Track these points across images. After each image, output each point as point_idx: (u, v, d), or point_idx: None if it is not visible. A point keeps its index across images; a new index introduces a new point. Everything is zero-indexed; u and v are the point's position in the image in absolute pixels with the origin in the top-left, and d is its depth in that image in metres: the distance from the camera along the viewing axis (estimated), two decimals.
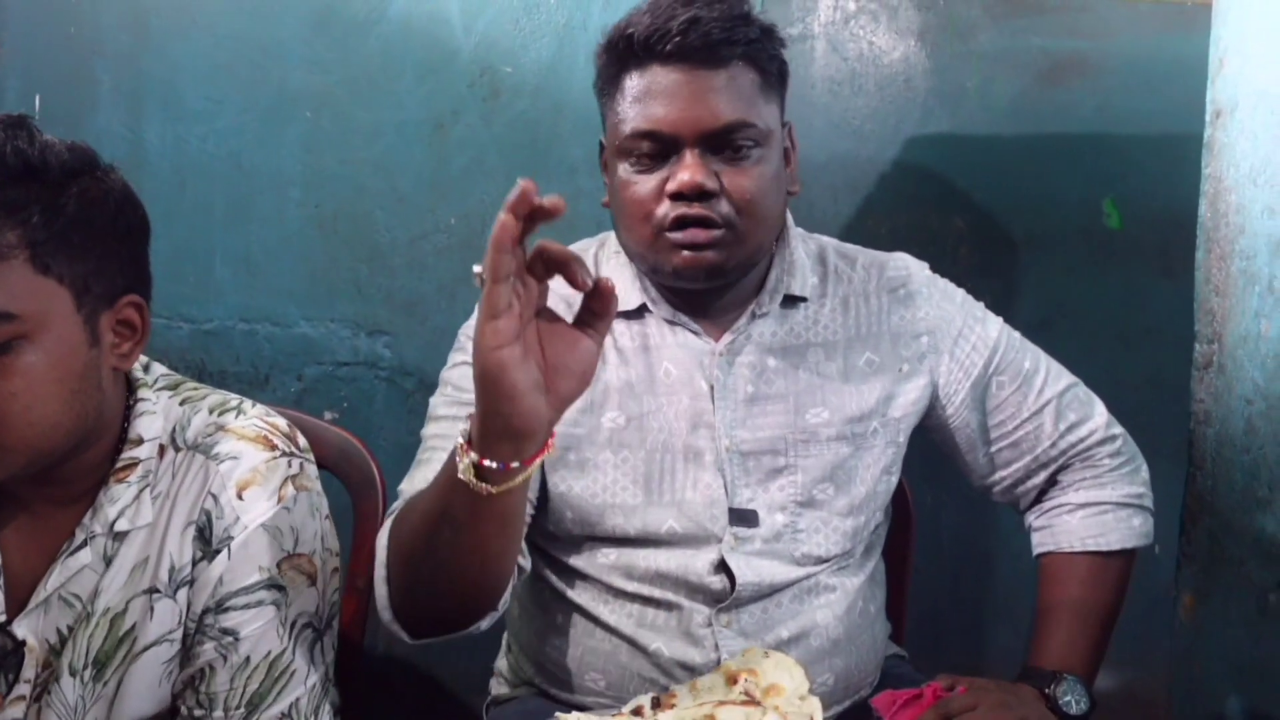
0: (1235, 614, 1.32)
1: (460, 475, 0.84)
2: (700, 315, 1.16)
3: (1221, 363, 1.35)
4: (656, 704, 0.89)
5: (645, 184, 1.09)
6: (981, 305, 1.25)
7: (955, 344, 1.20)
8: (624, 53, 1.09)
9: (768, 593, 1.13)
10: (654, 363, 1.16)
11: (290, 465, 1.03)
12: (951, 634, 1.64)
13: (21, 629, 0.98)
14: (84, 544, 0.98)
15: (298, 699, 1.03)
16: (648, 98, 1.07)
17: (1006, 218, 1.65)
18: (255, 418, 1.06)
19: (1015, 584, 1.66)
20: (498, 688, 1.27)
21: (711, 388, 1.14)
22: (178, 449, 1.02)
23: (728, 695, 0.88)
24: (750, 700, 0.87)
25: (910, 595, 1.44)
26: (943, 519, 1.64)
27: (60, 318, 0.91)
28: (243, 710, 1.01)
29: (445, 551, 0.92)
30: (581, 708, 1.13)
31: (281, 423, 1.08)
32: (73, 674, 0.99)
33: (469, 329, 1.20)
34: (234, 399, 1.08)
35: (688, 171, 1.06)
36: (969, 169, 1.65)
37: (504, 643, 1.31)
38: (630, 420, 1.14)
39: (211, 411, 1.05)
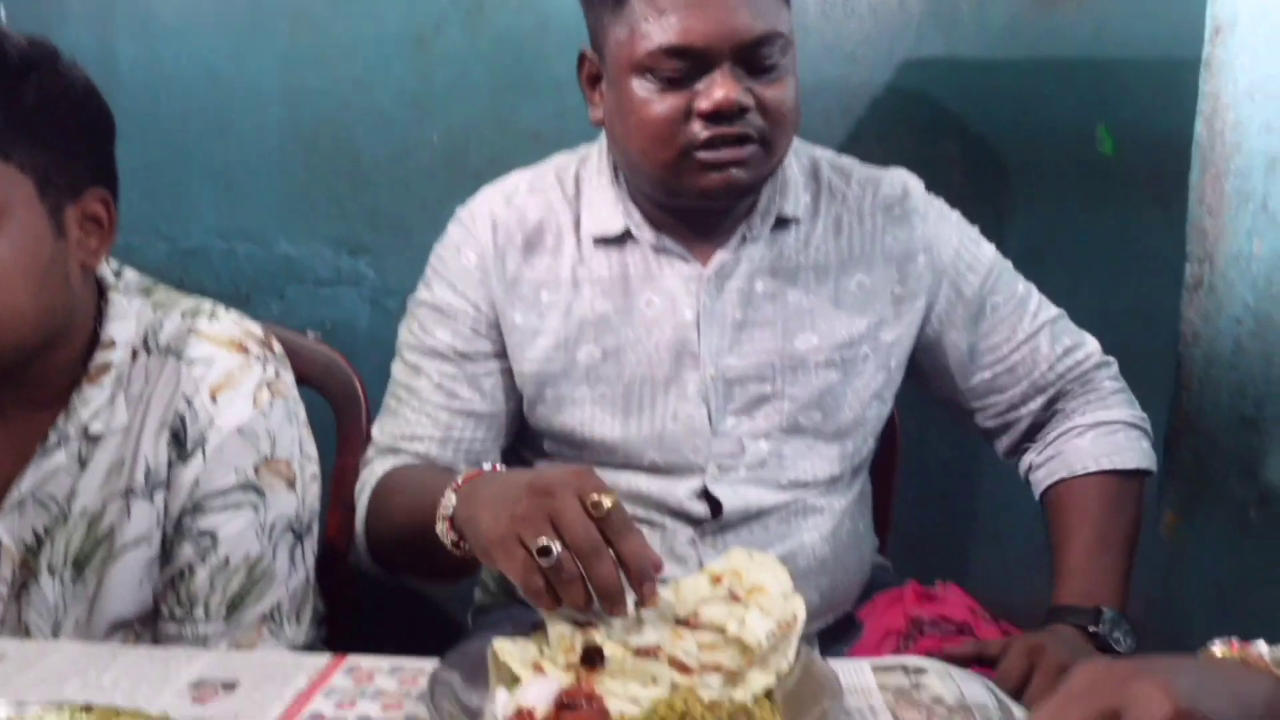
0: (1216, 531, 1.33)
1: (439, 534, 0.89)
2: (688, 239, 1.12)
3: (1212, 283, 1.34)
4: (639, 605, 0.88)
5: (669, 103, 1.02)
6: (977, 229, 1.23)
7: (951, 263, 1.18)
8: None
9: (755, 516, 1.12)
10: (634, 292, 1.12)
11: (265, 370, 1.03)
12: (934, 551, 1.65)
13: None
14: (58, 446, 0.98)
15: (279, 602, 1.03)
16: (674, 10, 1.00)
17: (999, 143, 1.63)
18: (229, 322, 1.05)
19: (999, 509, 1.67)
20: (482, 596, 1.27)
21: (697, 315, 1.11)
22: (150, 352, 1.01)
23: (711, 595, 0.87)
24: (734, 599, 0.86)
25: (895, 514, 1.44)
26: (928, 444, 1.64)
27: (23, 206, 0.90)
28: (223, 611, 1.01)
29: (423, 556, 0.95)
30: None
31: (255, 328, 1.07)
32: (51, 574, 1.00)
33: (443, 251, 1.16)
34: (207, 303, 1.07)
35: (723, 90, 1.00)
36: (962, 94, 1.62)
37: None
38: (606, 354, 1.12)
39: (184, 315, 1.04)
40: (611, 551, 0.77)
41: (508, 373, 1.15)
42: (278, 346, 1.08)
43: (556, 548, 0.75)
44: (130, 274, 1.07)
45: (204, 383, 0.99)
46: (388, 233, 1.59)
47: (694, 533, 1.11)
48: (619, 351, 1.12)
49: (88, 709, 0.75)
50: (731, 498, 1.11)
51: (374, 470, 1.13)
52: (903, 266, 1.16)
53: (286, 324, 1.54)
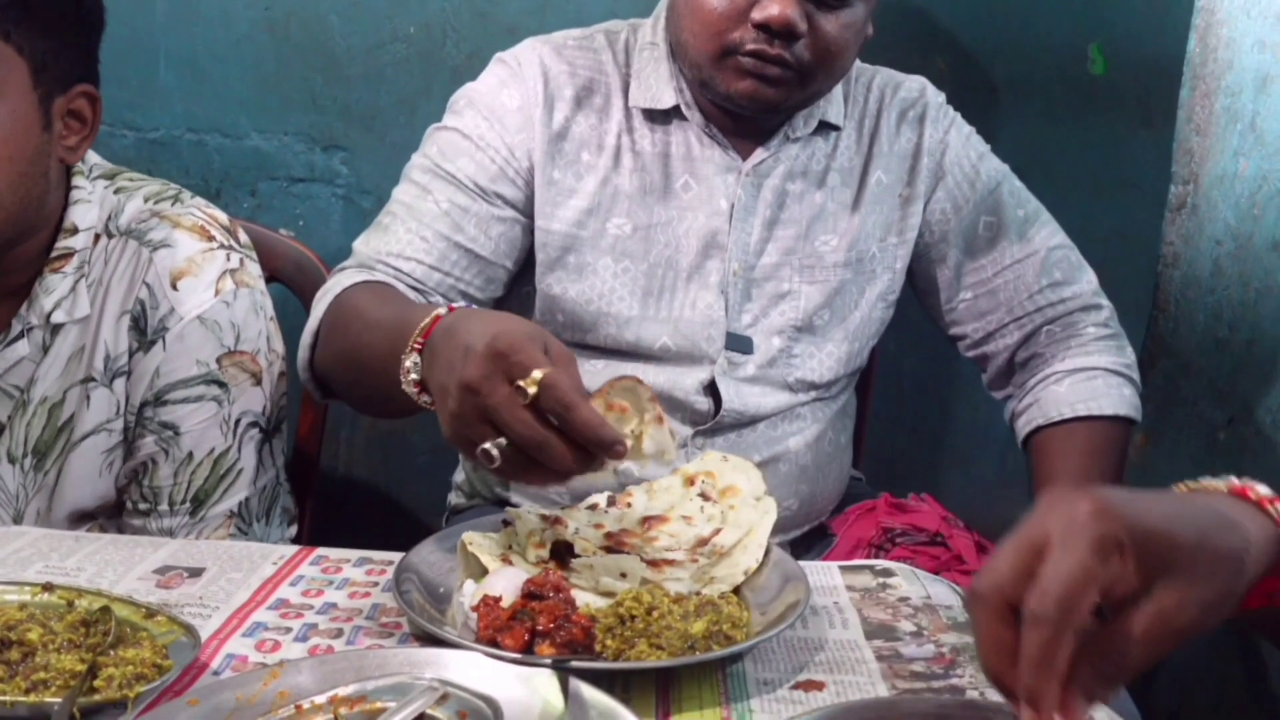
0: (1184, 452, 1.35)
1: (403, 385, 0.79)
2: (730, 129, 1.10)
3: (1195, 203, 1.34)
4: (612, 503, 0.88)
5: (726, 1, 1.00)
6: (988, 148, 1.21)
7: (950, 173, 1.17)
8: None
9: (748, 421, 1.12)
10: (673, 172, 1.11)
11: (229, 259, 1.00)
12: (907, 469, 1.66)
13: None
14: (20, 335, 0.96)
15: (247, 498, 1.03)
16: None
17: (989, 60, 1.60)
18: (193, 207, 1.02)
19: (973, 429, 1.68)
20: (455, 499, 1.27)
21: (732, 207, 1.10)
22: (111, 236, 0.99)
23: (685, 495, 0.88)
24: (706, 499, 0.86)
25: (869, 430, 1.45)
26: (904, 366, 1.64)
27: (16, 91, 0.88)
28: (188, 505, 1.00)
29: (378, 391, 0.88)
30: None
31: (221, 215, 1.04)
32: (12, 462, 0.98)
33: (479, 86, 1.11)
34: (173, 188, 1.04)
35: (780, 6, 0.98)
36: (952, 9, 1.58)
37: (462, 457, 1.30)
38: (637, 229, 1.10)
39: (147, 199, 1.01)
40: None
41: (518, 228, 1.10)
42: (244, 236, 1.05)
43: (496, 452, 0.70)
44: (94, 157, 1.04)
45: (164, 268, 0.97)
46: (362, 128, 1.54)
47: (687, 434, 1.11)
48: (649, 230, 1.10)
49: (49, 587, 0.74)
50: (733, 397, 1.10)
51: (341, 280, 1.03)
52: (910, 168, 1.16)
53: (259, 220, 1.51)
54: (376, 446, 1.65)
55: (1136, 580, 0.51)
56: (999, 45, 1.59)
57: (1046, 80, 1.60)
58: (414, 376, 0.79)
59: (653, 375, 1.10)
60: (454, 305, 0.82)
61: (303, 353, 1.02)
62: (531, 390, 0.69)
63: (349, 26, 1.51)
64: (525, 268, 1.13)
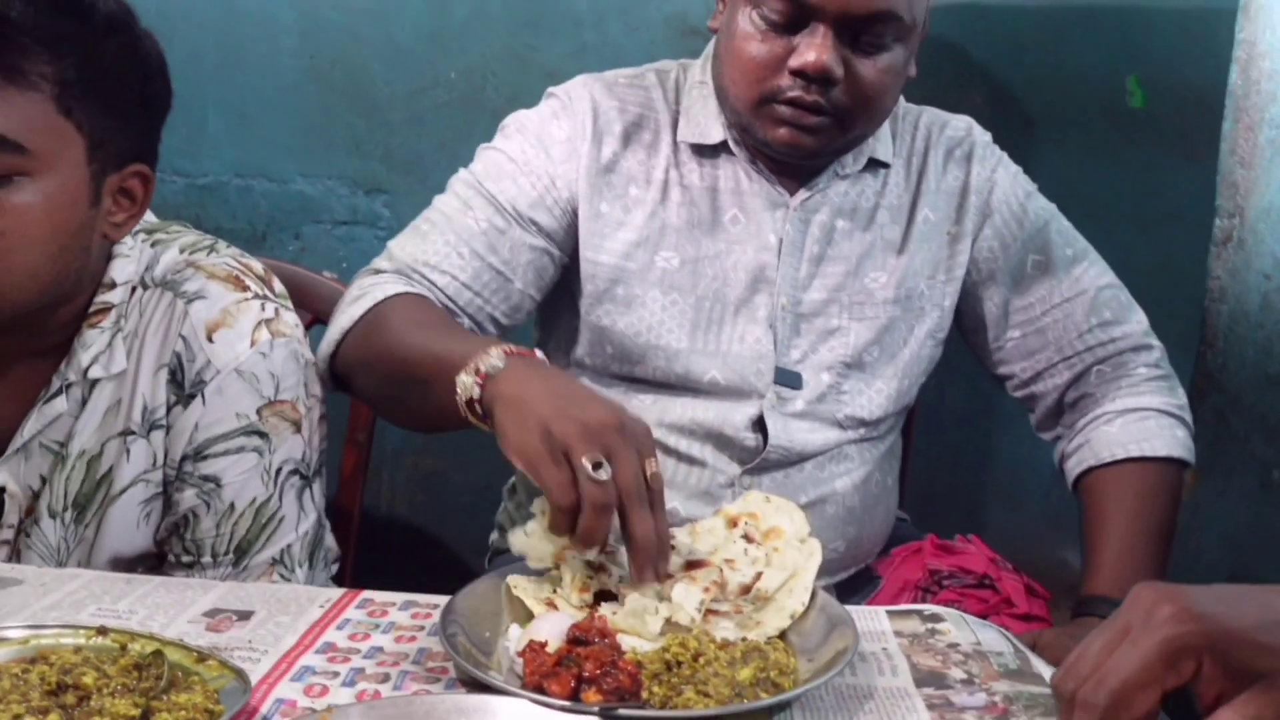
0: (1236, 490, 1.32)
1: (460, 384, 0.85)
2: (780, 165, 1.11)
3: (1241, 237, 1.31)
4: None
5: (766, 47, 1.01)
6: (1035, 187, 1.21)
7: (998, 212, 1.16)
8: None
9: (795, 460, 1.11)
10: (721, 206, 1.11)
11: (264, 309, 1.00)
12: (951, 508, 1.64)
13: (1, 476, 0.97)
14: (60, 391, 0.96)
15: (289, 545, 1.02)
16: None
17: (1026, 94, 1.60)
18: (228, 257, 1.02)
19: (1016, 465, 1.66)
20: (498, 539, 1.27)
21: (780, 242, 1.11)
22: (146, 287, 0.99)
23: (727, 537, 0.87)
24: (749, 540, 0.86)
25: (912, 468, 1.43)
26: (946, 400, 1.63)
27: (69, 165, 0.89)
28: (231, 556, 1.00)
29: (407, 396, 0.93)
30: None
31: (256, 264, 1.04)
32: (53, 516, 0.99)
33: (530, 115, 1.13)
34: (208, 239, 1.05)
35: (816, 52, 0.99)
36: (989, 43, 1.58)
37: (505, 497, 1.30)
38: (685, 263, 1.10)
39: (183, 250, 1.02)
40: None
41: (547, 258, 1.11)
42: (278, 285, 1.05)
43: (607, 474, 0.75)
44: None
45: (200, 320, 0.97)
46: (404, 172, 1.57)
47: (733, 473, 1.10)
48: (697, 263, 1.10)
49: (103, 631, 0.75)
50: (780, 434, 1.10)
51: (382, 285, 1.05)
52: (958, 205, 1.16)
53: (303, 263, 1.54)
54: (419, 486, 1.66)
55: (1228, 683, 0.51)
56: (1035, 79, 1.59)
57: (1085, 113, 1.59)
58: (487, 368, 0.84)
59: (702, 410, 1.10)
60: (526, 349, 0.88)
61: (326, 347, 1.04)
62: (656, 470, 0.77)
63: (391, 73, 1.55)
64: (569, 299, 1.14)
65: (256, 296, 1.00)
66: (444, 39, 1.54)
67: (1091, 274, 1.17)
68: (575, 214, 1.10)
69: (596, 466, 0.75)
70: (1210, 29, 1.47)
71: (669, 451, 1.11)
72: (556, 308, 1.16)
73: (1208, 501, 1.37)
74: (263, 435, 0.99)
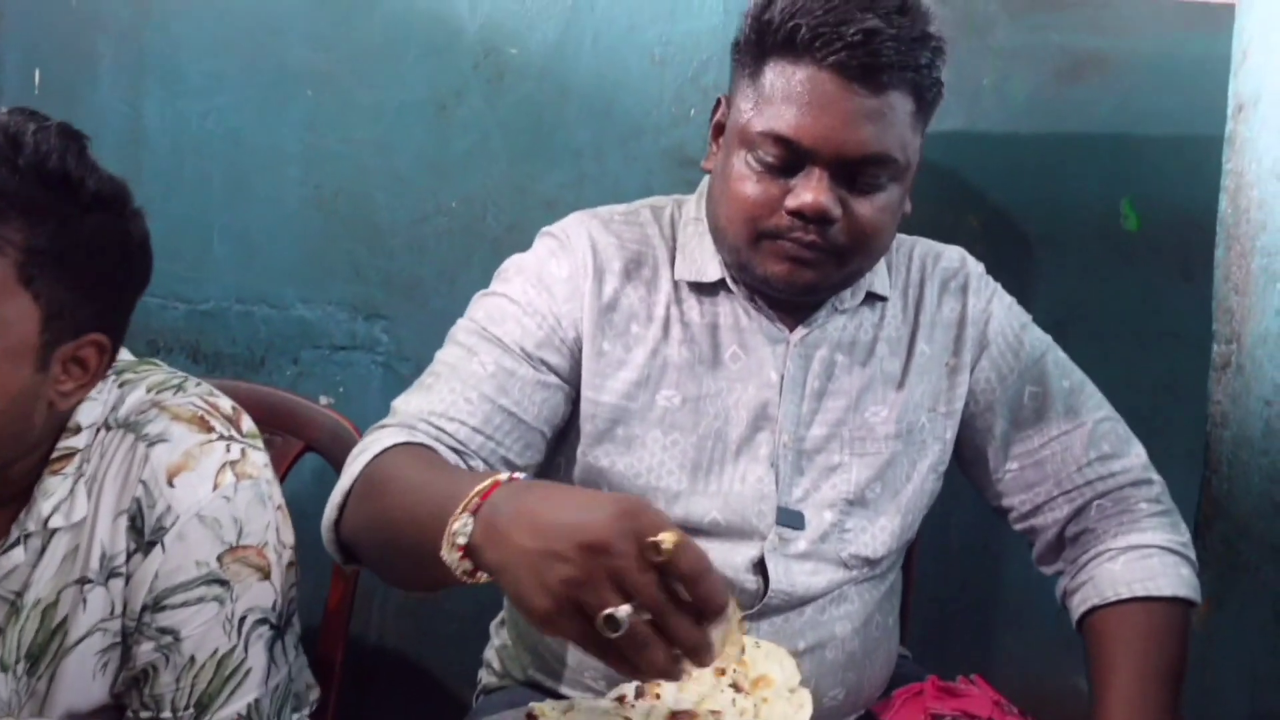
0: (1251, 621, 1.28)
1: (444, 553, 0.75)
2: (778, 302, 1.10)
3: (1240, 363, 1.31)
4: (640, 694, 0.85)
5: (762, 188, 1.01)
6: (1030, 318, 1.21)
7: (994, 343, 1.16)
8: (782, 40, 0.98)
9: (795, 604, 1.08)
10: (721, 343, 1.10)
11: (229, 450, 0.96)
12: (957, 637, 1.60)
13: None
14: (18, 542, 0.93)
15: (256, 700, 0.98)
16: (791, 100, 0.98)
17: (1022, 217, 1.62)
18: (195, 396, 0.99)
19: (1024, 591, 1.61)
20: (487, 678, 1.23)
21: (781, 378, 1.10)
22: (109, 428, 0.96)
23: (715, 686, 0.84)
24: (738, 690, 0.83)
25: (916, 597, 1.40)
26: (951, 522, 1.60)
27: (17, 334, 0.86)
28: (192, 711, 0.95)
29: (413, 559, 0.83)
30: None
31: (224, 403, 1.01)
32: (4, 669, 0.95)
33: (528, 257, 1.12)
34: (177, 377, 1.02)
35: (813, 194, 0.99)
36: (984, 167, 1.61)
37: (493, 633, 1.27)
38: (686, 401, 1.09)
39: (149, 389, 0.99)
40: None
41: (560, 395, 1.08)
42: (248, 424, 1.02)
43: (624, 615, 0.65)
44: (123, 353, 1.01)
45: (161, 464, 0.93)
46: (403, 298, 1.59)
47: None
48: (698, 401, 1.09)
49: None
50: (782, 578, 1.07)
51: (381, 438, 0.98)
52: (955, 337, 1.15)
53: (300, 387, 1.55)
54: (407, 614, 1.63)
55: None
56: (1031, 201, 1.61)
57: (1081, 235, 1.61)
58: (461, 540, 0.74)
59: None
60: (515, 475, 0.77)
61: (329, 513, 0.97)
62: (667, 547, 0.65)
63: (394, 201, 1.58)
64: (563, 441, 1.12)
65: (222, 438, 0.97)
66: (445, 169, 1.58)
67: (1089, 406, 1.16)
68: (580, 353, 1.09)
69: (609, 622, 0.65)
70: (1201, 154, 1.50)
71: None
72: (549, 449, 1.12)
73: (1222, 632, 1.33)
74: (223, 583, 0.94)
